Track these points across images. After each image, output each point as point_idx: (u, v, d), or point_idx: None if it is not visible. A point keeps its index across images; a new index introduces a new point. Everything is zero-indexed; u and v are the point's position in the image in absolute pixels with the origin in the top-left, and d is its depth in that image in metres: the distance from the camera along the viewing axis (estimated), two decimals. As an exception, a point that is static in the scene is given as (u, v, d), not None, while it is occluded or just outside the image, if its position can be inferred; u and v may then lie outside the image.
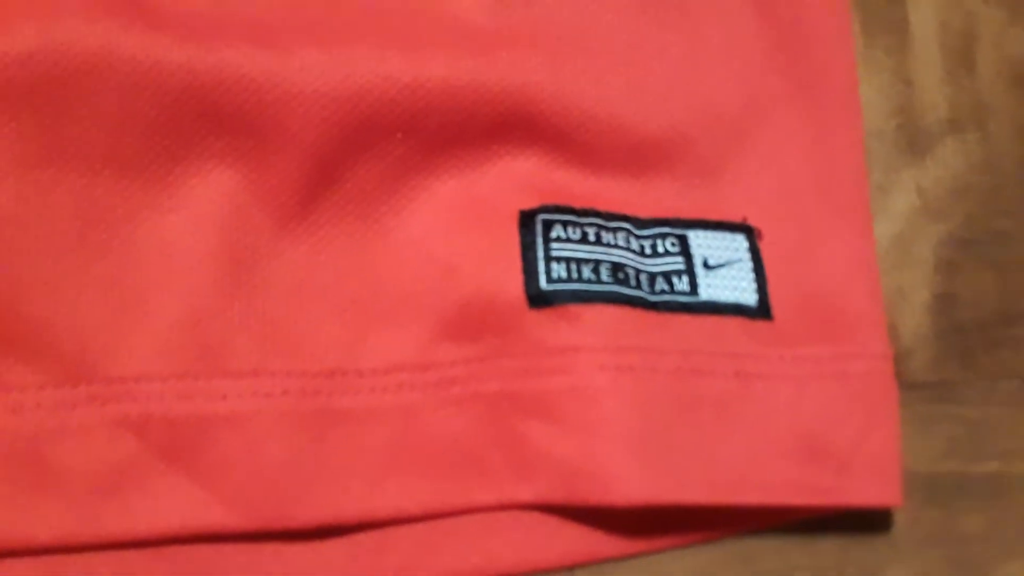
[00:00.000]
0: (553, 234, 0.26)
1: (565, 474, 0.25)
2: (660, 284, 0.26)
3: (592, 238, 0.26)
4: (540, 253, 0.26)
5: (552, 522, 0.25)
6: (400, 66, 0.25)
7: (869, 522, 0.27)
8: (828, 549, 0.27)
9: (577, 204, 0.26)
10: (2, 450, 0.23)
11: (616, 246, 0.26)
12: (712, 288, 0.26)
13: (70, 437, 0.24)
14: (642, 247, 0.27)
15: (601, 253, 0.26)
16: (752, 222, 0.27)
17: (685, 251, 0.27)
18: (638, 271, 0.26)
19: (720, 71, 0.28)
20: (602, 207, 0.27)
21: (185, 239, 0.25)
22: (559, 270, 0.25)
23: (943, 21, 0.31)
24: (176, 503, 0.24)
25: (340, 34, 0.26)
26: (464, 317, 0.26)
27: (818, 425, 0.26)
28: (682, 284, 0.26)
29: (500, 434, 0.25)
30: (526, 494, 0.25)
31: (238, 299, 0.25)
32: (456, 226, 0.26)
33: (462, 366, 0.26)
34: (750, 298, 0.27)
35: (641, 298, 0.26)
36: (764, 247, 0.27)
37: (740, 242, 0.27)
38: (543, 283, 0.25)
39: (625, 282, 0.26)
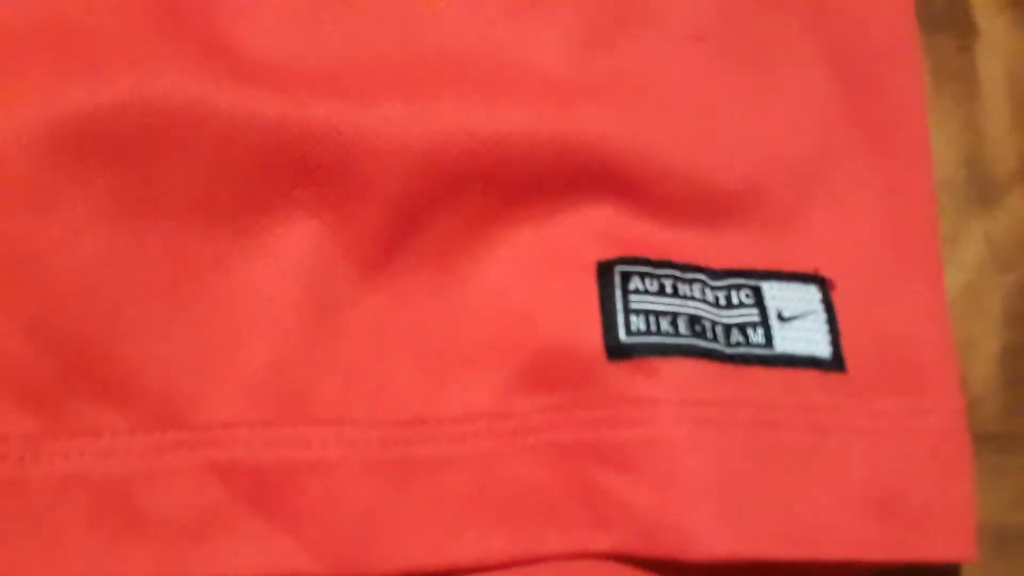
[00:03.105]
0: (631, 286, 0.26)
1: (643, 526, 0.25)
2: (736, 336, 0.27)
3: (669, 290, 0.26)
4: (619, 305, 0.26)
5: (627, 572, 0.26)
6: (481, 119, 0.26)
7: (937, 573, 0.27)
8: (899, 601, 0.27)
9: (652, 255, 0.27)
10: (92, 495, 0.24)
11: (692, 298, 0.26)
12: (787, 340, 0.27)
13: (158, 482, 0.24)
14: (717, 299, 0.27)
15: (678, 305, 0.26)
16: (824, 273, 0.28)
17: (759, 303, 0.27)
18: (714, 323, 0.26)
19: (792, 121, 0.29)
20: (677, 258, 0.27)
21: (271, 287, 0.25)
22: (638, 323, 0.26)
23: (1011, 70, 0.31)
24: (261, 550, 0.24)
25: (423, 86, 0.26)
26: (541, 367, 0.26)
27: (893, 479, 0.26)
28: (757, 336, 0.27)
29: (577, 484, 0.25)
30: (603, 544, 0.25)
31: (322, 346, 0.25)
32: (534, 276, 0.27)
33: (539, 415, 0.26)
34: (824, 350, 0.27)
35: (717, 351, 0.26)
36: (836, 298, 0.27)
37: (813, 293, 0.27)
38: (622, 336, 0.26)
39: (702, 335, 0.26)
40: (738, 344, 0.26)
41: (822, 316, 0.27)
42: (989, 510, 0.28)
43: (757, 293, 0.27)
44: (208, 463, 0.24)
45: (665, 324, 0.26)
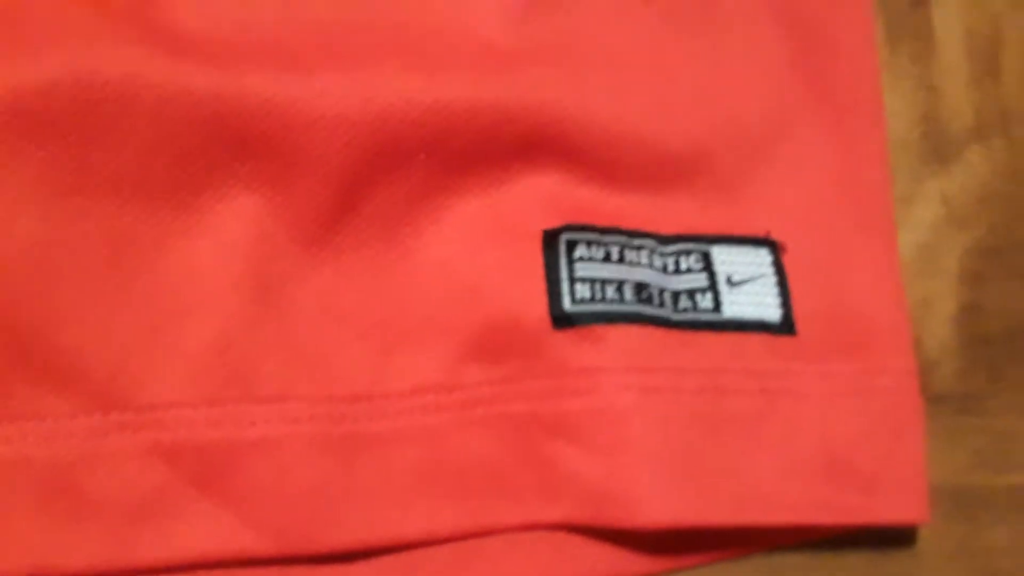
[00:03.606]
0: (577, 254, 0.26)
1: (591, 495, 0.25)
2: (684, 302, 0.26)
3: (616, 257, 0.26)
4: (564, 274, 0.26)
5: (578, 541, 0.26)
6: (422, 87, 0.25)
7: (895, 537, 0.27)
8: (854, 565, 0.27)
9: (600, 222, 0.27)
10: (37, 479, 0.24)
11: (639, 264, 0.26)
12: (736, 305, 0.26)
13: (103, 465, 0.24)
14: (665, 264, 0.27)
15: (625, 272, 0.26)
16: (776, 236, 0.27)
17: (708, 268, 0.27)
18: (661, 289, 0.26)
19: (743, 84, 0.28)
20: (625, 224, 0.27)
21: (212, 265, 0.25)
22: (583, 291, 0.25)
23: (968, 26, 0.31)
24: (207, 529, 0.24)
25: (361, 56, 0.26)
26: (488, 338, 0.26)
27: (844, 442, 0.26)
28: (706, 301, 0.26)
29: (526, 455, 0.25)
30: (553, 515, 0.25)
31: (265, 324, 0.25)
32: (479, 246, 0.26)
33: (487, 387, 0.26)
34: (774, 314, 0.27)
35: (665, 317, 0.26)
36: (788, 261, 0.27)
37: (764, 257, 0.27)
38: (567, 304, 0.25)
39: (649, 301, 0.26)
40: (686, 310, 0.26)
41: (772, 280, 0.27)
42: (947, 472, 0.28)
43: (706, 258, 0.27)
44: (152, 444, 0.24)
45: (611, 291, 0.26)
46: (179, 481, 0.24)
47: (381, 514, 0.25)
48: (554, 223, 0.26)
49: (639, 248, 0.26)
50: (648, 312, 0.25)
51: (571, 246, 0.26)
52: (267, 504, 0.24)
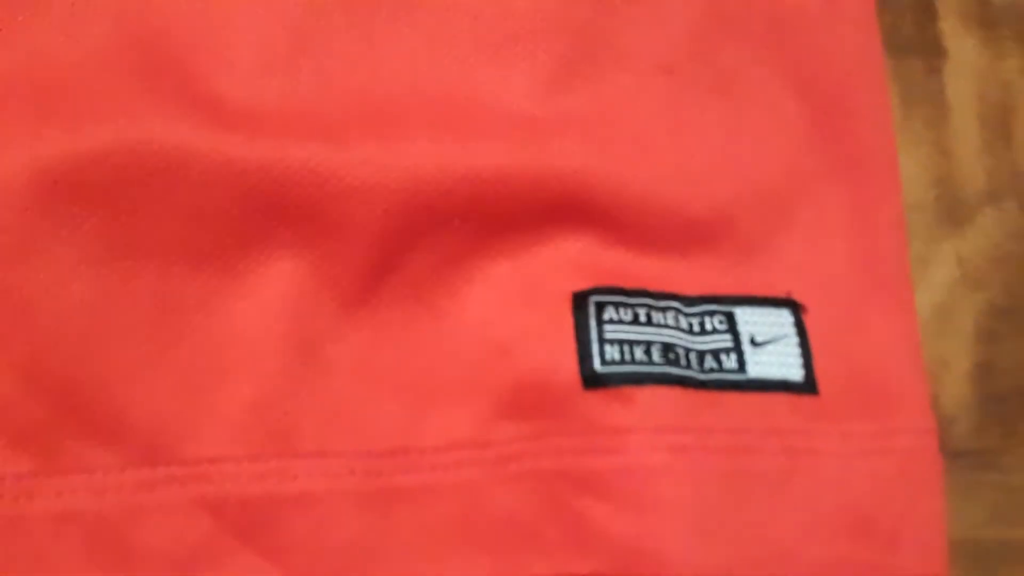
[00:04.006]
0: (606, 316, 0.27)
1: (621, 552, 0.25)
2: (709, 362, 0.27)
3: (643, 319, 0.27)
4: (593, 335, 0.27)
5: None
6: (455, 157, 0.26)
7: (914, 590, 0.28)
8: (875, 618, 0.28)
9: (627, 284, 0.27)
10: (86, 531, 0.25)
11: (666, 326, 0.27)
12: (759, 365, 0.27)
13: (150, 517, 0.25)
14: (691, 325, 0.28)
15: (652, 334, 0.27)
16: (797, 297, 0.28)
17: (732, 328, 0.28)
18: (688, 350, 0.27)
19: (762, 149, 0.29)
20: (651, 286, 0.28)
21: (255, 325, 0.26)
22: (612, 352, 0.26)
23: (980, 93, 0.32)
24: (251, 581, 0.25)
25: (397, 125, 0.27)
26: (520, 397, 0.27)
27: (865, 501, 0.26)
28: (730, 362, 0.27)
29: (556, 511, 0.26)
30: (582, 570, 0.26)
31: (305, 382, 0.26)
32: (511, 308, 0.27)
33: (519, 444, 0.27)
34: (796, 374, 0.27)
35: (691, 377, 0.27)
36: (808, 322, 0.28)
37: (785, 317, 0.28)
38: (597, 365, 0.26)
39: (676, 362, 0.27)
40: (711, 370, 0.27)
41: (794, 340, 0.28)
42: (964, 527, 0.29)
43: (730, 319, 0.28)
44: (197, 497, 0.25)
45: (639, 353, 0.27)
46: (224, 533, 0.25)
47: (417, 567, 0.26)
48: (583, 286, 0.27)
49: (665, 310, 0.27)
50: (676, 373, 0.26)
51: (600, 308, 0.27)
52: (308, 556, 0.25)
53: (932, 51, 0.32)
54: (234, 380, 0.26)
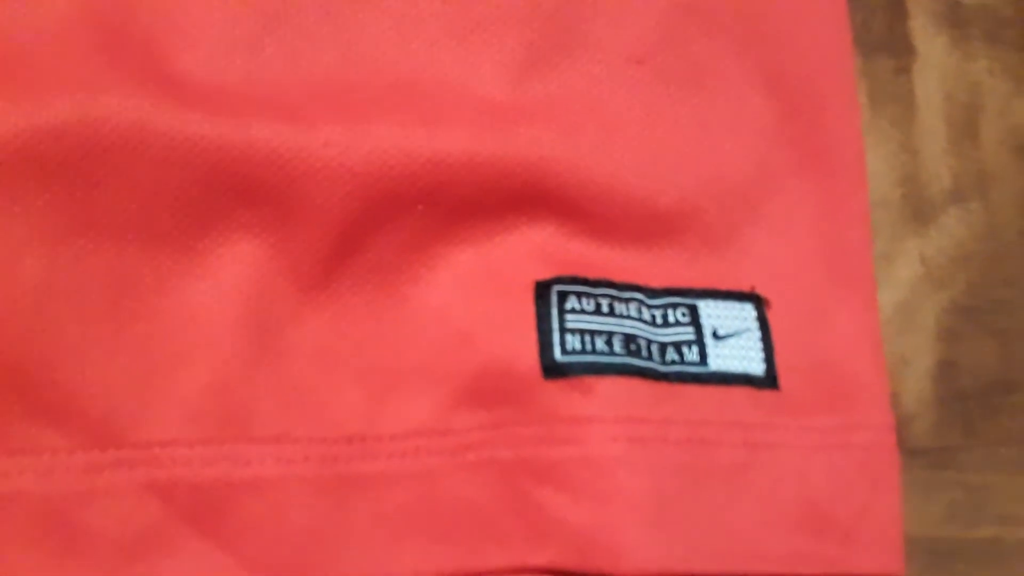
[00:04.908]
0: (568, 305, 0.27)
1: (578, 542, 0.25)
2: (671, 354, 0.27)
3: (605, 309, 0.27)
4: (555, 324, 0.26)
5: (563, 587, 0.26)
6: (421, 142, 0.26)
7: (871, 586, 0.28)
8: (831, 614, 0.28)
9: (591, 274, 0.27)
10: (32, 513, 0.24)
11: (628, 317, 0.27)
12: (721, 358, 0.27)
13: (98, 500, 0.24)
14: (653, 317, 0.27)
15: (614, 324, 0.27)
16: (760, 291, 0.28)
17: (695, 321, 0.28)
18: (649, 341, 0.27)
19: (730, 143, 0.29)
20: (615, 277, 0.27)
21: (212, 307, 0.26)
22: (573, 342, 0.26)
23: (948, 92, 0.32)
24: (200, 568, 0.24)
25: (363, 110, 0.27)
26: (480, 385, 0.26)
27: (823, 495, 0.26)
28: (692, 354, 0.27)
29: (515, 500, 0.26)
30: (539, 559, 0.26)
31: (262, 366, 0.26)
32: (473, 295, 0.27)
33: (478, 432, 0.26)
34: (758, 368, 0.27)
35: (652, 369, 0.27)
36: (772, 317, 0.28)
37: (748, 311, 0.28)
38: (558, 355, 0.26)
39: (637, 353, 0.27)
40: (673, 362, 0.27)
41: (757, 334, 0.28)
42: (922, 524, 0.29)
43: (693, 311, 0.28)
44: (147, 481, 0.25)
45: (600, 343, 0.26)
46: (174, 519, 0.25)
47: (373, 555, 0.25)
48: (546, 275, 0.27)
49: (628, 301, 0.27)
50: (637, 364, 0.26)
51: (562, 298, 0.27)
52: (261, 543, 0.25)
53: (902, 50, 0.32)
54: (189, 363, 0.25)
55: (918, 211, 0.31)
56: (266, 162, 0.25)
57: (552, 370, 0.26)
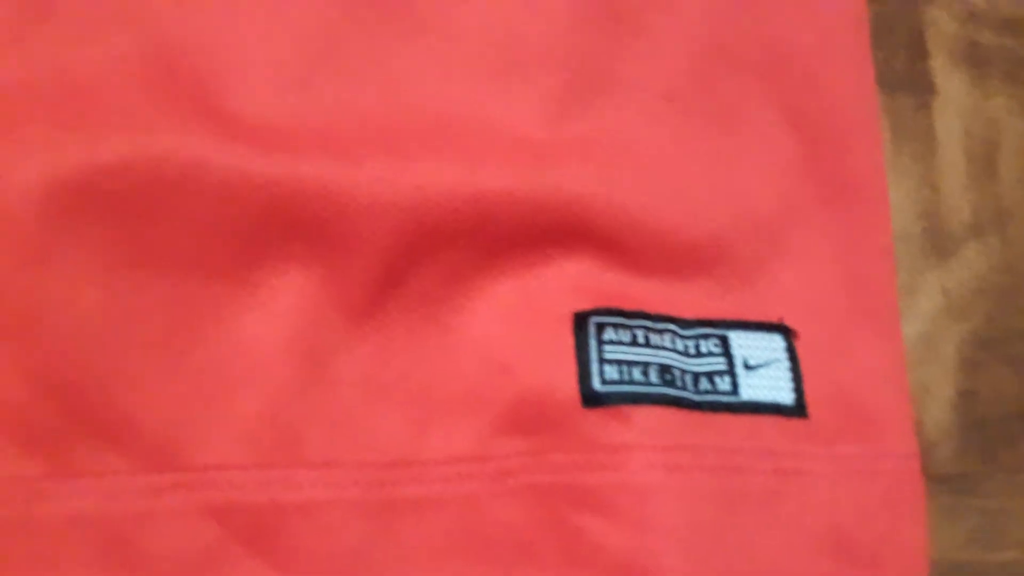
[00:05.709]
0: (606, 336, 0.28)
1: (616, 567, 0.26)
2: (704, 384, 0.28)
3: (641, 340, 0.28)
4: (594, 355, 0.27)
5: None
6: (462, 178, 0.27)
7: (895, 608, 0.29)
8: (857, 635, 0.28)
9: (626, 305, 0.28)
10: (96, 534, 0.25)
11: (663, 347, 0.28)
12: (752, 388, 0.28)
13: (158, 522, 0.25)
14: (686, 347, 0.28)
15: (650, 355, 0.28)
16: (788, 323, 0.29)
17: (726, 352, 0.29)
18: (683, 371, 0.28)
19: (757, 179, 0.30)
20: (649, 308, 0.29)
21: (264, 336, 0.27)
22: (611, 372, 0.27)
23: (968, 129, 0.33)
24: (255, 587, 0.26)
25: (407, 148, 0.28)
26: (520, 413, 0.27)
27: (850, 521, 0.27)
28: (724, 384, 0.28)
29: (554, 525, 0.27)
30: (578, 582, 0.27)
31: (312, 393, 0.27)
32: (513, 326, 0.28)
33: (517, 459, 0.27)
34: (787, 397, 0.28)
35: (686, 398, 0.28)
36: (799, 347, 0.29)
37: (778, 342, 0.29)
38: (597, 385, 0.27)
39: (672, 383, 0.28)
40: (706, 392, 0.28)
41: (786, 364, 0.29)
42: (944, 549, 0.30)
43: (724, 342, 0.29)
44: (204, 504, 0.26)
45: (637, 373, 0.27)
46: (230, 540, 0.26)
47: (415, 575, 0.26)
48: (582, 306, 0.28)
49: (662, 332, 0.28)
50: (672, 393, 0.27)
51: (600, 329, 0.28)
52: (311, 564, 0.26)
53: (922, 88, 0.33)
54: (243, 390, 0.27)
55: (939, 245, 0.32)
56: (316, 197, 0.27)
57: (591, 399, 0.27)
